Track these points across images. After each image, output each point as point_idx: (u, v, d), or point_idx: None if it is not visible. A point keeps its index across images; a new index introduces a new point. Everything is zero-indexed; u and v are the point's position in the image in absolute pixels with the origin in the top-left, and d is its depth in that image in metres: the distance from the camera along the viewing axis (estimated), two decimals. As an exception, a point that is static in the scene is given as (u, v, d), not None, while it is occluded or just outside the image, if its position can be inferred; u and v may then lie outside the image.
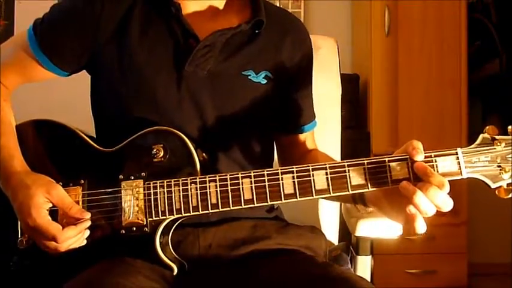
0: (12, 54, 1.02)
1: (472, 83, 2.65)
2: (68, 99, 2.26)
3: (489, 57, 2.90)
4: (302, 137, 1.14)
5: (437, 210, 0.79)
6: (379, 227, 1.14)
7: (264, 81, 1.02)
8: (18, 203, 0.87)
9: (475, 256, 2.68)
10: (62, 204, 0.87)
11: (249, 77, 1.01)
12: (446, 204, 0.78)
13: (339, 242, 1.46)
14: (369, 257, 1.22)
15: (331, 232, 1.46)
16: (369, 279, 1.17)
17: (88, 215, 0.87)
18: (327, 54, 1.51)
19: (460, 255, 2.55)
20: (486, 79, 2.94)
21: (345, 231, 1.32)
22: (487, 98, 2.98)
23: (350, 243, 1.27)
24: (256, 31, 1.03)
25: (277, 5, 1.15)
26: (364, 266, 1.22)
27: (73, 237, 0.85)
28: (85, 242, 0.87)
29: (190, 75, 0.98)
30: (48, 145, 0.98)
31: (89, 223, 0.87)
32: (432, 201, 0.77)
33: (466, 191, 2.52)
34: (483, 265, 2.79)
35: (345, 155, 1.50)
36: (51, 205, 0.87)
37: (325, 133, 1.19)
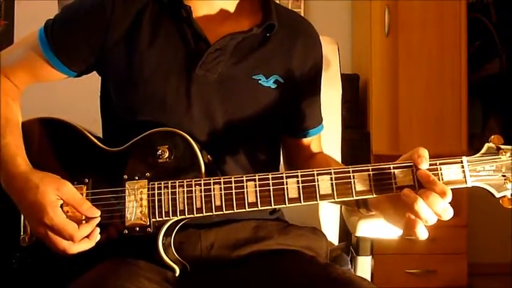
0: (23, 55, 1.03)
1: (472, 83, 2.65)
2: (73, 99, 2.26)
3: (489, 57, 2.91)
4: (308, 140, 1.14)
5: (438, 219, 0.79)
6: (379, 227, 1.14)
7: (274, 86, 1.02)
8: (27, 202, 0.86)
9: (475, 256, 2.68)
10: (73, 201, 0.87)
11: (259, 81, 1.01)
12: (446, 212, 0.78)
13: (339, 243, 1.46)
14: (369, 257, 1.22)
15: (331, 232, 1.46)
16: (369, 279, 1.17)
17: (98, 212, 0.87)
18: (327, 54, 1.51)
19: (460, 255, 2.55)
20: (486, 79, 2.94)
21: (345, 232, 1.32)
22: (487, 98, 2.99)
23: (350, 243, 1.27)
24: (268, 34, 1.03)
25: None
26: (364, 266, 1.22)
27: (85, 235, 0.85)
28: (94, 243, 0.87)
29: (201, 78, 0.97)
30: (53, 143, 0.98)
31: (98, 219, 0.87)
32: (432, 209, 0.77)
33: (466, 192, 2.52)
34: (483, 265, 2.79)
35: (345, 155, 1.50)
36: (61, 202, 0.86)
37: (325, 133, 1.19)
